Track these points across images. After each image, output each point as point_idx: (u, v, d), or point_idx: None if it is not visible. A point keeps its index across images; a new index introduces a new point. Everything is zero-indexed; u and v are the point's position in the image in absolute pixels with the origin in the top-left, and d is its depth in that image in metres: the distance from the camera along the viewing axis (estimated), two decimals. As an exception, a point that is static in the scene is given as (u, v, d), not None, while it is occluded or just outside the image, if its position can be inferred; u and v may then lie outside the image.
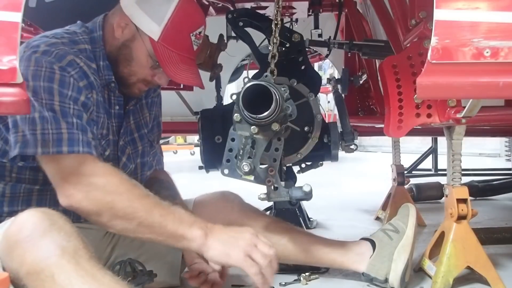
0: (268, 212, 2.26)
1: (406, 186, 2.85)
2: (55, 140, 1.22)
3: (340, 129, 1.68)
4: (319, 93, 1.71)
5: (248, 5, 2.03)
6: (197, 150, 4.89)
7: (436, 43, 0.96)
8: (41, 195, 1.40)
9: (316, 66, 4.60)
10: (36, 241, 1.06)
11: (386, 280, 1.59)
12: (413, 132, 1.60)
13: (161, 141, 1.77)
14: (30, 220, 1.09)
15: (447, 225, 1.63)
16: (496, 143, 6.67)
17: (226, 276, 1.53)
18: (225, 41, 1.83)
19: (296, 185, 1.44)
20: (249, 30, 1.66)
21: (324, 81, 4.16)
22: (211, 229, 1.29)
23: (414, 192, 3.26)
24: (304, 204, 2.65)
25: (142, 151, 1.57)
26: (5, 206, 1.38)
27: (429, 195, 3.27)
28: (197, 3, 1.44)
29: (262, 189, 1.41)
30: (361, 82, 2.49)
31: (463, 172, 1.65)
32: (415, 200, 3.00)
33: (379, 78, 2.03)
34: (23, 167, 1.37)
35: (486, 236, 2.01)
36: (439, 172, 4.14)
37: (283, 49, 1.60)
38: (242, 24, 1.65)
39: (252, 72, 2.00)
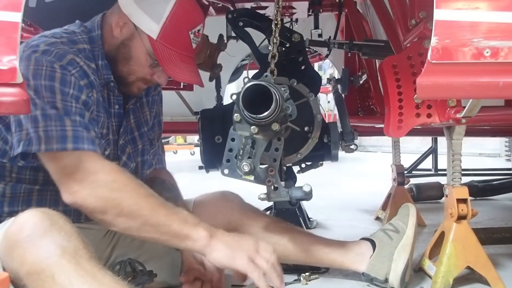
0: (268, 212, 2.26)
1: (406, 186, 2.85)
2: (59, 137, 1.21)
3: (340, 129, 1.68)
4: (319, 93, 1.71)
5: (248, 5, 2.03)
6: (197, 150, 4.89)
7: (436, 43, 0.96)
8: (41, 195, 1.40)
9: (316, 66, 4.60)
10: (36, 241, 1.06)
11: (386, 280, 1.59)
12: (413, 132, 1.60)
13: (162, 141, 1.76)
14: (30, 220, 1.09)
15: (447, 225, 1.63)
16: (496, 143, 6.68)
17: (222, 284, 1.51)
18: (225, 41, 1.83)
19: (296, 185, 1.44)
20: (249, 30, 1.66)
21: (324, 81, 4.15)
22: (215, 232, 1.29)
23: (414, 192, 3.26)
24: (304, 204, 2.65)
25: (142, 149, 1.57)
26: (5, 206, 1.38)
27: (429, 195, 3.27)
28: (196, 2, 1.43)
29: (262, 189, 1.40)
30: (361, 82, 2.49)
31: (463, 172, 1.65)
32: (415, 200, 3.00)
33: (379, 78, 2.03)
34: (23, 167, 1.37)
35: (486, 236, 2.01)
36: (439, 172, 4.14)
37: (283, 49, 1.60)
38: (242, 24, 1.65)
39: (252, 72, 2.00)
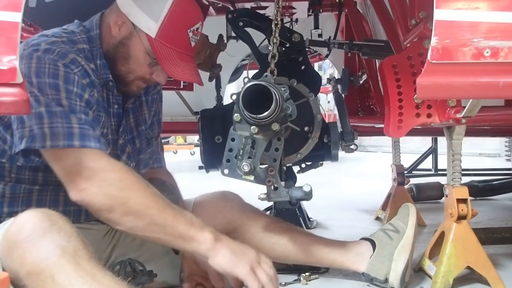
0: (268, 212, 2.26)
1: (406, 186, 2.85)
2: (66, 134, 1.21)
3: (340, 129, 1.68)
4: (319, 93, 1.71)
5: (248, 5, 2.03)
6: (197, 150, 4.89)
7: (436, 43, 0.96)
8: (40, 196, 1.40)
9: (316, 66, 4.60)
10: (36, 242, 1.06)
11: (386, 280, 1.59)
12: (413, 132, 1.60)
13: (162, 141, 1.76)
14: (30, 221, 1.09)
15: (447, 225, 1.63)
16: (496, 143, 6.68)
17: None
18: (225, 41, 1.83)
19: (296, 185, 1.44)
20: (249, 30, 1.66)
21: (324, 81, 4.15)
22: (221, 236, 1.29)
23: (414, 192, 3.26)
24: (304, 204, 2.65)
25: (139, 148, 1.57)
26: (5, 206, 1.38)
27: (429, 195, 3.27)
28: (195, 1, 1.43)
29: (262, 189, 1.40)
30: (361, 82, 2.49)
31: (463, 172, 1.65)
32: (415, 200, 3.00)
33: (379, 78, 2.03)
34: (22, 167, 1.36)
35: (486, 236, 2.01)
36: (439, 172, 4.14)
37: (283, 49, 1.60)
38: (242, 24, 1.65)
39: (252, 72, 2.00)
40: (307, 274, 1.71)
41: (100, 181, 1.22)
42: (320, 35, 2.15)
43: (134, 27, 1.36)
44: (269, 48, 1.41)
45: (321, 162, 1.70)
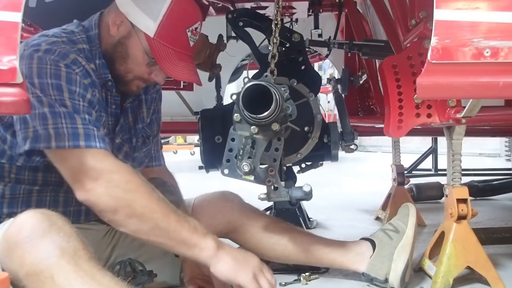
0: (268, 212, 2.26)
1: (406, 186, 2.85)
2: (71, 135, 1.21)
3: (340, 129, 1.68)
4: (319, 93, 1.71)
5: (248, 5, 2.03)
6: (197, 150, 4.89)
7: (436, 43, 0.95)
8: (40, 196, 1.40)
9: (316, 66, 4.60)
10: (35, 242, 1.06)
11: (386, 280, 1.59)
12: (413, 132, 1.60)
13: (162, 141, 1.76)
14: (29, 221, 1.09)
15: (447, 225, 1.63)
16: (496, 143, 6.67)
17: None
18: (225, 41, 1.83)
19: (296, 185, 1.44)
20: (249, 30, 1.66)
21: (324, 81, 4.15)
22: (223, 244, 1.29)
23: (414, 192, 3.25)
24: (304, 204, 2.65)
25: (135, 146, 1.56)
26: (5, 207, 1.38)
27: (429, 195, 3.27)
28: (194, 0, 1.43)
29: (262, 189, 1.40)
30: (361, 82, 2.49)
31: (463, 172, 1.65)
32: (415, 200, 3.00)
33: (379, 78, 2.03)
34: (22, 167, 1.36)
35: (486, 236, 2.01)
36: (439, 172, 4.14)
37: (283, 49, 1.60)
38: (242, 24, 1.65)
39: (252, 72, 2.00)
40: (307, 274, 1.71)
41: (107, 182, 1.22)
42: (320, 35, 2.15)
43: (132, 26, 1.36)
44: (269, 48, 1.41)
45: (321, 162, 1.70)
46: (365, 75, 2.40)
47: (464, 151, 1.68)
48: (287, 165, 1.65)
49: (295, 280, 1.70)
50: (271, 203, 2.30)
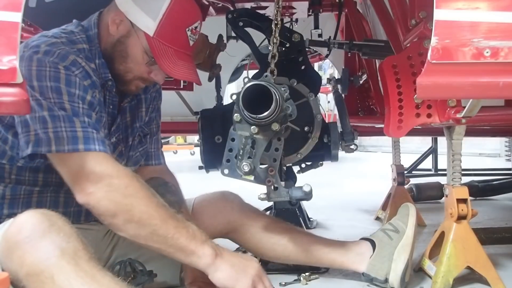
0: (268, 212, 2.26)
1: (406, 186, 2.85)
2: (70, 138, 1.21)
3: (340, 129, 1.68)
4: (319, 93, 1.71)
5: (248, 5, 2.03)
6: (197, 150, 4.89)
7: (436, 43, 0.95)
8: (41, 197, 1.40)
9: (316, 66, 4.60)
10: (35, 242, 1.06)
11: (386, 280, 1.59)
12: (413, 132, 1.60)
13: (162, 141, 1.76)
14: (29, 221, 1.09)
15: (447, 225, 1.63)
16: (496, 143, 6.68)
17: None
18: (225, 41, 1.83)
19: (296, 185, 1.44)
20: (249, 30, 1.66)
21: (324, 81, 4.15)
22: (221, 251, 1.28)
23: (414, 192, 3.25)
24: (304, 204, 2.65)
25: (130, 145, 1.56)
26: (5, 208, 1.37)
27: (429, 195, 3.27)
28: (194, 0, 1.43)
29: (262, 189, 1.40)
30: (361, 82, 2.49)
31: (463, 172, 1.65)
32: (415, 200, 3.00)
33: (379, 78, 2.03)
34: (23, 168, 1.36)
35: (486, 236, 2.01)
36: (439, 172, 4.14)
37: (283, 49, 1.60)
38: (242, 24, 1.65)
39: (252, 72, 2.00)
40: (307, 274, 1.71)
41: (106, 186, 1.22)
42: (320, 35, 2.15)
43: (132, 25, 1.36)
44: (269, 48, 1.41)
45: (321, 162, 1.70)
46: (365, 75, 2.40)
47: (464, 151, 1.68)
48: (287, 165, 1.65)
49: (295, 280, 1.70)
50: (271, 203, 2.30)
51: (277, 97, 1.23)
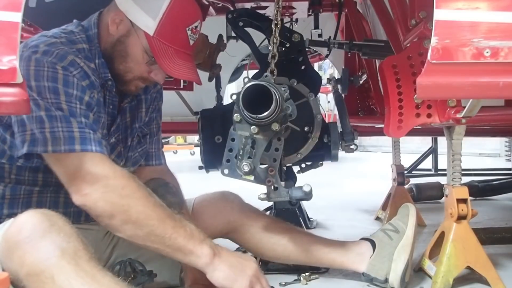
0: (268, 212, 2.26)
1: (406, 186, 2.85)
2: (67, 138, 1.21)
3: (340, 129, 1.68)
4: (319, 93, 1.71)
5: (248, 5, 2.03)
6: (197, 150, 4.89)
7: (436, 43, 0.95)
8: (41, 197, 1.40)
9: (316, 66, 4.60)
10: (35, 242, 1.06)
11: (386, 280, 1.59)
12: (413, 132, 1.60)
13: (162, 141, 1.76)
14: (29, 221, 1.09)
15: (447, 225, 1.63)
16: (496, 143, 6.68)
17: None
18: (225, 41, 1.83)
19: (296, 185, 1.44)
20: (249, 30, 1.66)
21: (324, 81, 4.15)
22: (220, 251, 1.28)
23: (414, 192, 3.26)
24: (304, 204, 2.65)
25: (129, 145, 1.56)
26: (5, 208, 1.37)
27: (429, 195, 3.27)
28: (194, 0, 1.43)
29: (262, 189, 1.40)
30: (361, 82, 2.49)
31: (463, 172, 1.65)
32: (415, 200, 3.00)
33: (379, 78, 2.03)
34: (22, 167, 1.36)
35: (486, 236, 2.01)
36: (439, 172, 4.14)
37: (283, 49, 1.60)
38: (242, 24, 1.65)
39: (252, 72, 2.00)
40: (307, 274, 1.71)
41: (103, 187, 1.21)
42: (320, 35, 2.15)
43: (132, 25, 1.36)
44: (269, 48, 1.41)
45: (321, 162, 1.71)
46: (365, 75, 2.40)
47: (464, 151, 1.68)
48: (287, 165, 1.65)
49: (295, 280, 1.70)
50: (271, 203, 2.30)
51: (277, 97, 1.23)
